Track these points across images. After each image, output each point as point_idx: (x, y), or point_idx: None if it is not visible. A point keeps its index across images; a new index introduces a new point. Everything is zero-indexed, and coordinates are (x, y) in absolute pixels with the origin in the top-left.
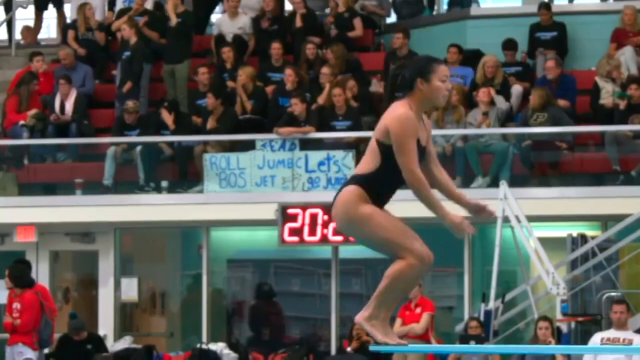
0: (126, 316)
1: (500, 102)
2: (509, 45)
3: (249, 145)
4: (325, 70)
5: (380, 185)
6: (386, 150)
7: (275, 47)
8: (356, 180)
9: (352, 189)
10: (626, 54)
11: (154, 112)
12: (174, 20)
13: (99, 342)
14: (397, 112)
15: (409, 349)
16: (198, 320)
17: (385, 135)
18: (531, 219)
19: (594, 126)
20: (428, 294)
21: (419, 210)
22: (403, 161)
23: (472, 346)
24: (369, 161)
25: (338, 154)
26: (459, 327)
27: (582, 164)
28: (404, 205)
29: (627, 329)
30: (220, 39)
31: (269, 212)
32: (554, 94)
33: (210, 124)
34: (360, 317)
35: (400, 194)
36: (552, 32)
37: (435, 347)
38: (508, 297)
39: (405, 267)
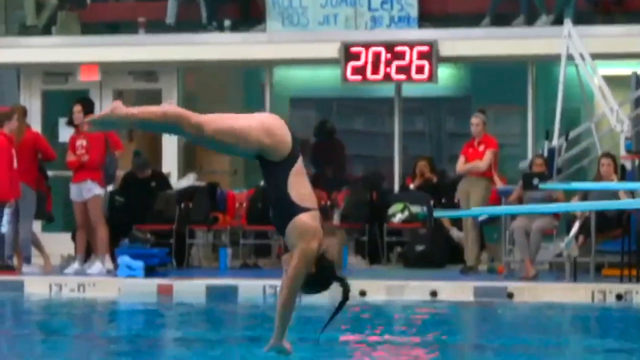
0: (190, 154)
1: None
2: None
3: None
4: None
5: None
6: None
7: None
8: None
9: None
10: None
11: None
12: None
13: (163, 180)
14: None
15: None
16: None
17: None
18: (595, 56)
19: None
20: (491, 131)
21: (487, 48)
22: None
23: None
24: None
25: None
26: (523, 165)
27: None
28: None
29: None
30: None
31: (332, 50)
32: None
33: None
34: None
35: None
36: None
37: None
38: (572, 134)
39: None
